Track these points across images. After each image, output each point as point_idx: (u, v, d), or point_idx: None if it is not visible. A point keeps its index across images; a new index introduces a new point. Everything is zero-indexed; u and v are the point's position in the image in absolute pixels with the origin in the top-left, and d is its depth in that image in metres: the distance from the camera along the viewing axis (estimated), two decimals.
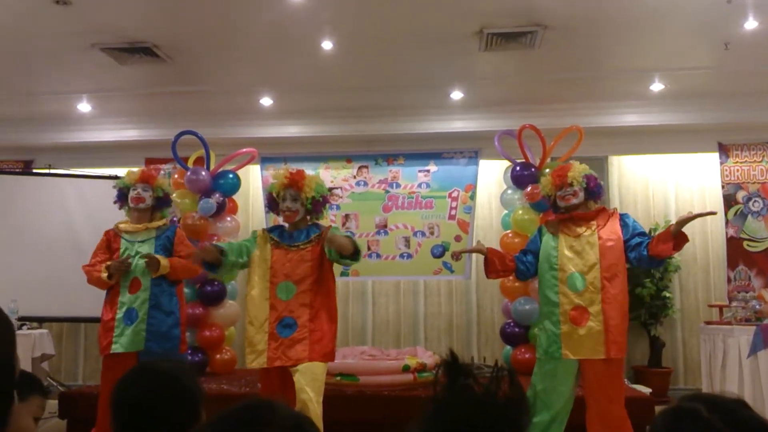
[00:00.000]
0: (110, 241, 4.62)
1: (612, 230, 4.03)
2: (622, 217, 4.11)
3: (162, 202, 4.68)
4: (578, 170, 4.12)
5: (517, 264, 4.26)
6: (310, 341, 3.85)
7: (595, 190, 4.13)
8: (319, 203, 4.02)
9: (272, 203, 4.11)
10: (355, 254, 3.82)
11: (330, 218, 7.35)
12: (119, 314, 4.40)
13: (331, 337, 3.96)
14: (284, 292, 3.92)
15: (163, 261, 4.41)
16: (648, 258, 3.91)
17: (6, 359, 1.19)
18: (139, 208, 4.57)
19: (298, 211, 3.99)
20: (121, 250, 4.52)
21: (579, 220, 4.09)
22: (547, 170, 4.36)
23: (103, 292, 4.63)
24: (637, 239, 3.98)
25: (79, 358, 8.09)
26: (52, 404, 5.73)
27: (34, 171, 7.75)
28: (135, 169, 4.80)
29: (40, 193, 7.26)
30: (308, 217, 4.08)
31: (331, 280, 4.05)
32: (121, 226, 4.65)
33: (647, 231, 7.21)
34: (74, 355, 8.10)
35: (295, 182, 3.98)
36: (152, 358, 4.03)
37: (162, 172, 7.77)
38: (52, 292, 6.93)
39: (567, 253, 4.03)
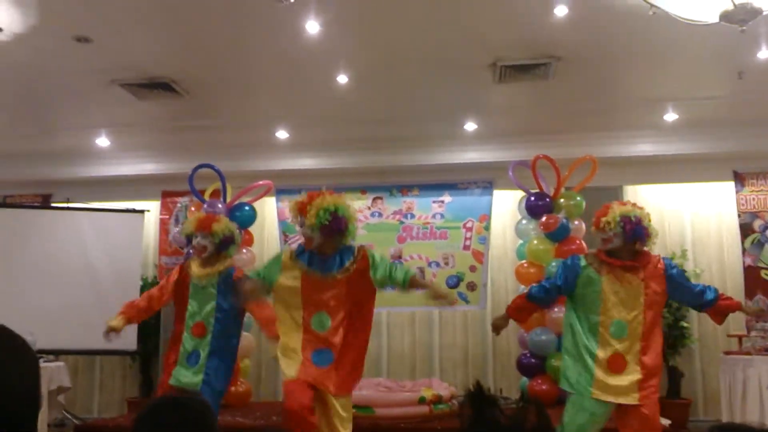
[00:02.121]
0: (183, 277, 4.66)
1: (657, 282, 3.96)
2: (667, 270, 3.99)
3: (224, 245, 4.63)
4: (614, 214, 3.95)
5: (539, 295, 4.14)
6: (346, 373, 3.74)
7: (634, 233, 3.93)
8: (334, 224, 3.80)
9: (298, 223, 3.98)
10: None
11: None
12: (182, 352, 4.50)
13: (361, 365, 3.88)
14: (319, 324, 3.78)
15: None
16: (712, 305, 4.00)
17: (32, 392, 1.21)
18: (202, 257, 4.61)
19: (312, 238, 3.81)
20: (192, 291, 4.57)
21: (624, 266, 3.96)
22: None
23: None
24: (699, 288, 4.05)
25: (95, 391, 8.08)
26: None
27: (53, 205, 7.84)
28: (194, 215, 4.90)
29: (58, 227, 7.33)
30: (334, 242, 3.85)
31: (370, 302, 3.92)
32: (193, 266, 4.66)
33: None
34: (90, 388, 8.09)
35: (301, 209, 3.88)
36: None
37: (179, 204, 7.86)
38: (69, 325, 6.96)
39: (612, 298, 3.91)
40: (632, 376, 3.85)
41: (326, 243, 3.83)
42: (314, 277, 3.78)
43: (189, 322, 4.49)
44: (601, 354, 3.88)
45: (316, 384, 3.70)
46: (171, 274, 4.74)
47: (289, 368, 3.75)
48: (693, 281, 7.10)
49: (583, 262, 4.04)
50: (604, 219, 3.98)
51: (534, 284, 4.35)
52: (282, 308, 3.88)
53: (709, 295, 4.00)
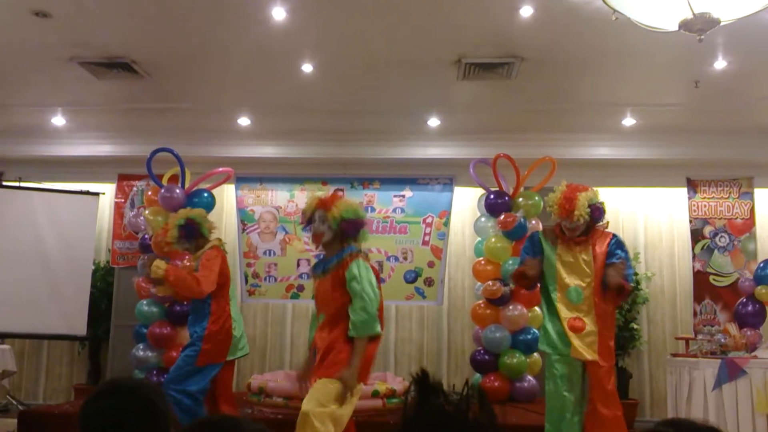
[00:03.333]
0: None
1: (602, 250, 4.28)
2: (612, 242, 4.32)
3: (188, 232, 4.65)
4: (584, 204, 4.20)
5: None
6: (321, 362, 3.67)
7: (597, 218, 4.32)
8: (347, 225, 3.75)
9: (307, 225, 3.94)
10: None
11: (304, 240, 7.34)
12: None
13: (346, 351, 3.66)
14: (314, 322, 3.92)
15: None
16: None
17: None
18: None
19: (323, 233, 3.77)
20: None
21: (579, 241, 4.30)
22: (556, 190, 4.33)
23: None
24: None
25: (41, 377, 7.89)
26: (11, 423, 5.60)
27: (4, 183, 7.62)
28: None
29: (8, 206, 7.13)
30: (340, 242, 3.79)
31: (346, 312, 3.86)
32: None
33: None
34: (36, 373, 7.90)
35: (323, 204, 3.81)
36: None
37: (135, 188, 7.72)
38: (16, 308, 6.79)
39: (566, 267, 4.27)
40: (591, 337, 4.19)
41: (333, 242, 3.78)
42: (317, 279, 3.87)
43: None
44: (564, 316, 4.22)
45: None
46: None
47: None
48: (643, 284, 7.36)
49: (539, 236, 4.43)
50: (577, 212, 4.17)
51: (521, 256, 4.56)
52: None
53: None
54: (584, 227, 4.27)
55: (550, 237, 4.39)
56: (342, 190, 7.64)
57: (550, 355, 4.30)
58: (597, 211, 4.28)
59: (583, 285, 4.23)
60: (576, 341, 4.16)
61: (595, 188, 4.38)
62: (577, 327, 4.18)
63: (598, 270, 4.23)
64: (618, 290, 4.09)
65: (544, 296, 4.42)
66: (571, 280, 4.25)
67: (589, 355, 4.16)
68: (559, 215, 4.24)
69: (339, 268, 3.70)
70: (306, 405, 3.53)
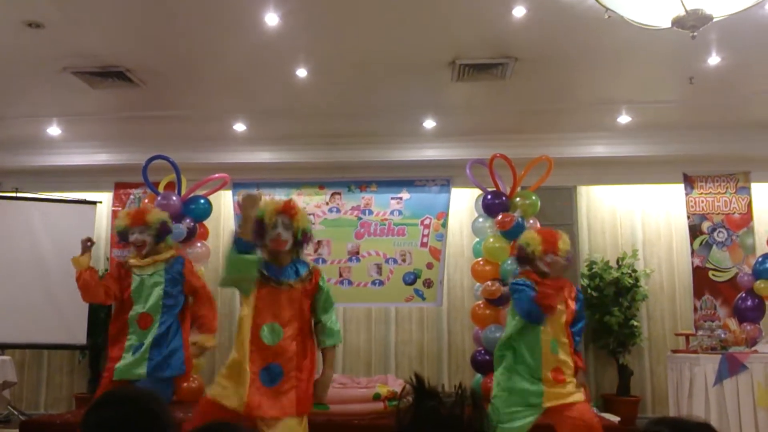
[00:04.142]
0: (122, 275, 4.52)
1: (572, 303, 4.20)
2: (578, 301, 4.25)
3: (161, 235, 4.54)
4: (567, 244, 4.17)
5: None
6: (297, 393, 3.48)
7: (570, 261, 4.27)
8: (307, 237, 3.72)
9: (258, 230, 3.65)
10: None
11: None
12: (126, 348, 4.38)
13: (311, 385, 3.62)
14: (269, 335, 3.54)
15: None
16: None
17: None
18: (142, 253, 4.50)
19: (287, 240, 3.62)
20: (134, 285, 4.44)
21: (555, 287, 4.14)
22: (528, 231, 4.33)
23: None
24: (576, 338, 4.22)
25: (42, 386, 7.89)
26: None
27: (1, 194, 7.62)
28: (124, 211, 4.66)
29: (6, 217, 7.14)
30: (291, 253, 3.71)
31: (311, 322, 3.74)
32: (131, 261, 4.53)
33: (616, 259, 7.39)
34: (36, 383, 7.90)
35: (287, 209, 3.68)
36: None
37: (132, 196, 7.72)
38: (16, 318, 6.79)
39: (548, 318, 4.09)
40: (571, 384, 4.05)
41: (289, 252, 3.69)
42: (269, 286, 3.59)
43: (133, 316, 4.38)
44: (545, 370, 4.02)
45: (260, 413, 3.44)
46: (111, 273, 4.63)
47: (229, 396, 3.47)
48: (643, 281, 7.37)
49: (528, 281, 4.15)
50: (562, 248, 4.12)
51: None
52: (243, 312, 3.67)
53: (577, 345, 4.23)
54: (562, 271, 4.19)
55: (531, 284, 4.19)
56: (339, 193, 7.66)
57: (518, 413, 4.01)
58: (569, 257, 4.23)
59: (559, 336, 4.08)
60: (559, 391, 3.99)
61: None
62: (559, 379, 4.01)
63: (567, 322, 4.15)
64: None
65: (524, 341, 4.10)
66: (552, 332, 4.07)
67: (572, 398, 4.00)
68: (543, 249, 4.12)
69: (312, 278, 3.65)
70: None
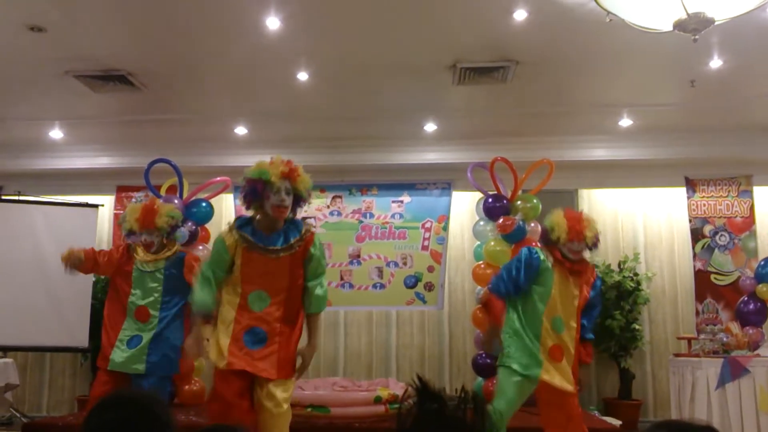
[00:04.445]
0: (123, 258, 4.53)
1: (588, 289, 4.20)
2: (596, 287, 4.26)
3: (170, 233, 4.56)
4: (593, 230, 4.15)
5: (498, 291, 4.20)
6: (279, 358, 3.48)
7: (595, 245, 4.22)
8: (303, 200, 3.64)
9: (257, 192, 3.51)
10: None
11: None
12: (122, 337, 4.38)
13: (295, 350, 3.62)
14: (257, 301, 3.51)
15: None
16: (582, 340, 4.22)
17: None
18: (150, 251, 4.51)
19: (289, 207, 3.52)
20: (135, 274, 4.46)
21: (572, 270, 4.14)
22: (557, 214, 4.23)
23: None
24: (584, 322, 4.21)
25: (44, 389, 7.90)
26: None
27: (3, 197, 7.64)
28: (134, 208, 4.58)
29: (8, 220, 7.14)
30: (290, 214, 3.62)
31: (302, 289, 3.66)
32: (139, 251, 4.54)
33: (617, 263, 7.38)
34: (39, 386, 7.91)
35: (292, 174, 3.57)
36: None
37: (134, 199, 7.72)
38: (18, 321, 6.79)
39: (557, 294, 4.08)
40: (568, 368, 4.05)
41: (282, 217, 3.59)
42: (256, 252, 3.50)
43: (131, 307, 4.39)
44: (544, 342, 4.03)
45: (248, 368, 3.45)
46: (117, 250, 4.61)
47: (217, 354, 3.48)
48: (644, 285, 7.36)
49: (541, 256, 4.14)
50: (589, 234, 4.10)
51: (494, 277, 4.34)
52: (230, 279, 3.59)
53: (587, 332, 4.24)
54: (582, 255, 4.18)
55: (549, 257, 4.16)
56: (340, 196, 7.66)
57: (518, 373, 4.00)
58: (598, 238, 4.22)
59: (568, 318, 4.09)
60: (553, 368, 3.99)
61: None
62: (557, 357, 4.02)
63: (580, 306, 4.16)
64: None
65: (525, 307, 4.12)
66: (559, 310, 4.08)
67: (565, 385, 4.01)
68: (569, 237, 4.09)
69: (305, 244, 3.56)
70: (283, 405, 3.49)
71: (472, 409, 1.01)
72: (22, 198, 7.41)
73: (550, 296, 4.06)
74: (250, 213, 3.65)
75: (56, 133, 7.19)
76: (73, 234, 7.15)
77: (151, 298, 4.42)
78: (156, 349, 4.33)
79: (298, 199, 3.61)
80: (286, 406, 3.54)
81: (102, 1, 4.69)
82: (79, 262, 4.51)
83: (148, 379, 4.26)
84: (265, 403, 3.48)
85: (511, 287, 4.10)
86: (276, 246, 3.50)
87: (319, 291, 3.62)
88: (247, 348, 3.46)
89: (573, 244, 4.10)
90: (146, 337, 4.34)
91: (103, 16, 4.90)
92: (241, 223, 3.61)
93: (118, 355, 4.32)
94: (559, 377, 4.00)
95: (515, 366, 3.99)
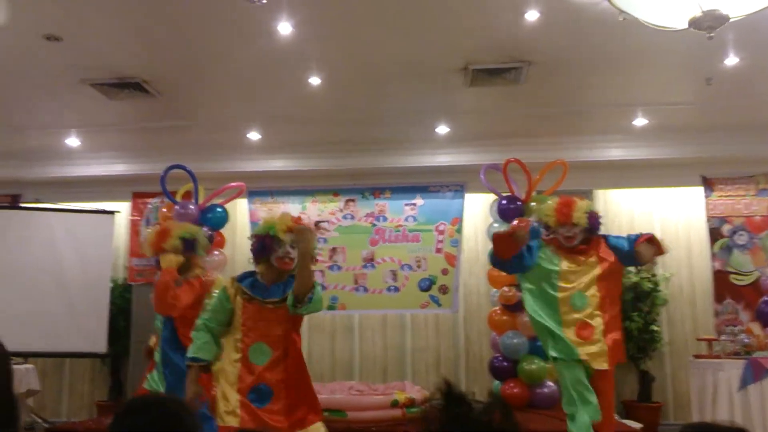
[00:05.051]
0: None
1: (607, 254, 4.18)
2: (607, 240, 4.25)
3: (186, 251, 4.39)
4: (582, 210, 4.15)
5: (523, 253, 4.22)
6: (288, 411, 3.44)
7: (594, 227, 4.20)
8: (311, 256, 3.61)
9: (266, 246, 3.54)
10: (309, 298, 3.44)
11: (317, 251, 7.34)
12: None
13: (313, 393, 3.61)
14: (258, 355, 3.48)
15: None
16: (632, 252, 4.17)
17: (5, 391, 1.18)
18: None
19: (294, 260, 3.51)
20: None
21: (578, 250, 4.19)
22: (549, 201, 4.33)
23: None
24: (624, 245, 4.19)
25: (63, 394, 7.96)
26: None
27: (21, 205, 7.71)
28: (150, 233, 4.58)
29: (27, 227, 7.21)
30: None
31: (298, 335, 3.65)
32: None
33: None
34: (58, 391, 7.97)
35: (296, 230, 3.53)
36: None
37: (150, 206, 7.78)
38: (37, 327, 6.85)
39: (570, 274, 4.12)
40: (599, 344, 4.05)
41: (287, 269, 3.59)
42: (255, 304, 3.51)
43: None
44: (567, 323, 4.08)
45: (260, 425, 3.39)
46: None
47: (225, 412, 3.44)
48: (662, 286, 7.29)
49: (540, 243, 4.28)
50: (576, 215, 4.12)
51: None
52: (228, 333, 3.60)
53: (629, 242, 4.22)
54: (581, 237, 4.17)
55: (550, 246, 4.25)
56: (353, 200, 7.66)
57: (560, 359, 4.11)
58: (594, 218, 4.19)
59: (589, 291, 4.11)
60: (582, 349, 4.04)
61: (590, 200, 4.35)
62: (584, 335, 4.05)
63: (604, 276, 4.14)
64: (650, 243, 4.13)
65: (538, 296, 4.21)
66: (576, 285, 4.12)
67: (597, 364, 4.03)
68: (557, 221, 4.17)
69: None
70: None
71: (499, 413, 0.99)
72: (40, 205, 7.49)
73: (559, 277, 4.11)
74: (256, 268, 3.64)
75: (73, 141, 7.26)
76: (91, 240, 7.23)
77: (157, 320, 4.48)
78: (166, 369, 4.31)
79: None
80: None
81: (116, 10, 4.73)
82: None
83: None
84: None
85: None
86: (274, 298, 3.52)
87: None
88: (254, 407, 3.42)
89: (563, 228, 4.14)
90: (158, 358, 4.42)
91: (118, 25, 4.95)
92: (241, 277, 3.64)
93: (152, 378, 4.48)
94: (590, 357, 4.02)
95: (555, 354, 4.10)
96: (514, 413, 1.05)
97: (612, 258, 4.17)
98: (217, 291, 3.68)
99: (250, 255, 3.66)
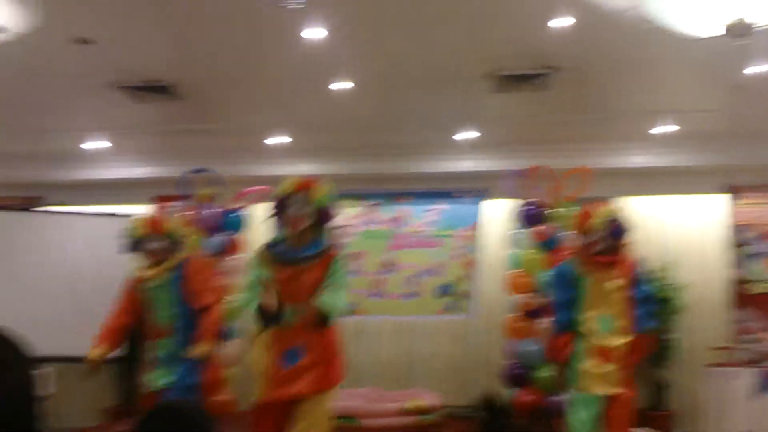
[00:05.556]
0: (133, 290, 4.53)
1: (629, 278, 4.19)
2: (637, 274, 4.25)
3: (178, 245, 4.55)
4: (600, 217, 4.14)
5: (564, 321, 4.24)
6: (317, 370, 3.60)
7: (617, 231, 4.17)
8: (326, 212, 3.73)
9: (281, 208, 3.71)
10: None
11: None
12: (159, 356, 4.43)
13: (340, 358, 3.75)
14: (290, 316, 3.62)
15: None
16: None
17: (28, 392, 1.24)
18: (155, 260, 4.48)
19: (305, 216, 3.66)
20: (144, 298, 4.47)
21: (606, 263, 4.16)
22: (575, 209, 4.41)
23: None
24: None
25: (73, 399, 7.90)
26: None
27: (38, 209, 7.70)
28: (141, 214, 4.67)
29: (45, 231, 7.18)
30: (313, 230, 3.73)
31: None
32: (142, 273, 4.53)
33: (651, 271, 7.29)
34: (67, 396, 7.91)
35: (307, 185, 3.71)
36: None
37: (171, 209, 7.80)
38: (53, 331, 6.84)
39: (596, 295, 4.12)
40: (615, 366, 4.07)
41: (310, 230, 3.71)
42: (286, 268, 3.65)
43: (160, 326, 4.41)
44: (589, 347, 4.07)
45: (285, 396, 3.57)
46: (125, 291, 4.57)
47: (258, 383, 3.66)
48: (678, 293, 7.26)
49: (568, 267, 4.25)
50: (592, 221, 4.13)
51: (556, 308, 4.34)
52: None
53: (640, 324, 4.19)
54: (604, 245, 4.13)
55: (577, 263, 4.25)
56: (376, 205, 7.63)
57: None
58: (615, 224, 4.15)
59: (611, 314, 4.12)
60: (599, 372, 4.05)
61: (617, 205, 4.42)
62: (602, 359, 4.06)
63: (622, 299, 4.15)
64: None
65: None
66: (600, 310, 4.12)
67: (608, 389, 4.06)
68: (579, 229, 4.19)
69: (326, 258, 3.68)
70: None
71: (540, 425, 1.04)
72: (58, 209, 7.45)
73: (586, 300, 4.11)
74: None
75: (97, 143, 7.29)
76: (110, 244, 7.21)
77: (167, 311, 4.40)
78: (174, 366, 4.34)
79: (322, 212, 3.70)
80: (322, 424, 3.63)
81: (145, 14, 4.80)
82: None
83: (173, 393, 4.25)
84: (299, 423, 3.58)
85: (561, 313, 4.18)
86: (304, 258, 3.64)
87: (339, 303, 3.67)
88: (284, 369, 3.59)
89: (584, 237, 4.16)
90: (171, 351, 4.36)
91: (146, 29, 5.01)
92: (270, 242, 3.80)
93: (153, 376, 4.39)
94: (603, 382, 4.03)
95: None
96: (553, 425, 1.09)
97: (630, 284, 4.18)
98: (250, 261, 3.82)
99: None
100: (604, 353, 4.05)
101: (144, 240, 4.47)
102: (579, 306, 4.16)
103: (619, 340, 4.08)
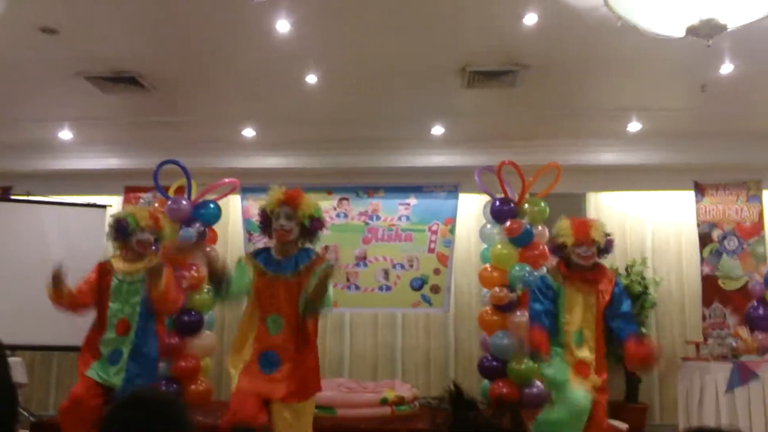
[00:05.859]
0: (101, 277, 4.49)
1: (607, 294, 4.16)
2: (616, 289, 4.21)
3: (158, 242, 4.59)
4: (601, 231, 4.14)
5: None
6: (295, 381, 3.62)
7: (608, 248, 4.20)
8: (313, 225, 3.74)
9: (266, 222, 3.78)
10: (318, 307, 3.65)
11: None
12: (104, 351, 4.36)
13: (317, 370, 3.79)
14: (273, 326, 3.67)
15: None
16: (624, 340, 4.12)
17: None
18: (141, 252, 4.49)
19: (290, 231, 3.69)
20: (113, 286, 4.43)
21: (584, 278, 4.15)
22: (566, 221, 4.27)
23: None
24: (619, 323, 4.15)
25: (51, 388, 7.92)
26: None
27: (12, 197, 7.66)
28: (140, 208, 4.68)
29: (17, 220, 7.16)
30: (299, 242, 3.78)
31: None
32: (116, 263, 4.52)
33: (625, 267, 7.35)
34: (46, 385, 7.93)
35: (290, 200, 3.72)
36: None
37: (142, 201, 7.75)
38: (26, 320, 6.80)
39: (573, 308, 4.10)
40: (592, 381, 4.06)
41: (296, 242, 3.77)
42: (268, 277, 3.69)
43: (112, 320, 4.36)
44: (568, 360, 4.05)
45: (261, 393, 3.59)
46: (90, 276, 4.55)
47: (235, 375, 3.67)
48: (651, 289, 7.34)
49: (550, 279, 4.20)
50: (594, 234, 4.09)
51: (533, 314, 4.24)
52: (249, 304, 3.79)
53: (628, 329, 4.16)
54: (594, 259, 4.14)
55: (556, 275, 4.22)
56: (347, 199, 7.67)
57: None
58: (609, 241, 4.18)
59: (587, 327, 4.11)
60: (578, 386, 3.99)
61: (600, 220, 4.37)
62: (583, 372, 4.04)
63: (599, 313, 4.13)
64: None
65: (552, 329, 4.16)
66: (576, 323, 4.10)
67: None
68: (575, 239, 4.10)
69: (310, 270, 3.67)
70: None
71: (508, 417, 1.01)
72: (30, 198, 7.43)
73: (563, 313, 4.09)
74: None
75: (66, 134, 7.22)
76: (82, 234, 7.17)
77: (130, 308, 4.38)
78: (134, 365, 4.30)
79: (306, 226, 3.73)
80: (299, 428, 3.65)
81: (113, 3, 4.70)
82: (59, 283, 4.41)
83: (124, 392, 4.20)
84: (277, 423, 3.61)
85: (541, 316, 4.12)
86: (286, 272, 3.68)
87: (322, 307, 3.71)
88: (262, 374, 3.62)
89: (581, 248, 4.10)
90: (126, 350, 4.32)
91: (114, 18, 4.91)
92: (256, 252, 3.87)
93: (99, 365, 4.31)
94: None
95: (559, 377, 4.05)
96: (522, 417, 1.07)
97: (608, 299, 4.14)
98: (236, 263, 3.81)
99: (246, 250, 3.84)
100: (581, 367, 4.03)
101: (136, 231, 4.47)
102: (557, 317, 4.13)
103: (592, 357, 4.07)
